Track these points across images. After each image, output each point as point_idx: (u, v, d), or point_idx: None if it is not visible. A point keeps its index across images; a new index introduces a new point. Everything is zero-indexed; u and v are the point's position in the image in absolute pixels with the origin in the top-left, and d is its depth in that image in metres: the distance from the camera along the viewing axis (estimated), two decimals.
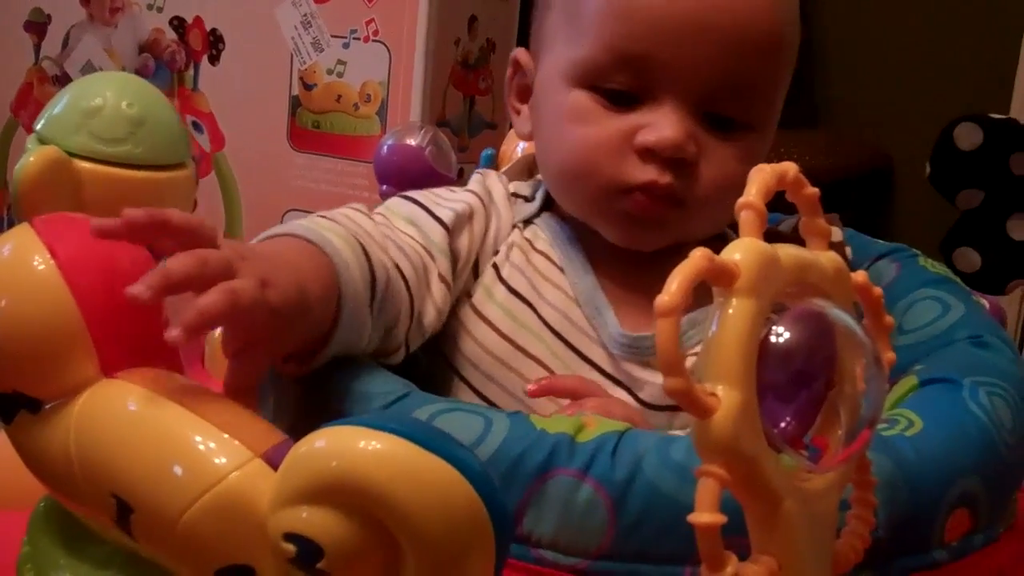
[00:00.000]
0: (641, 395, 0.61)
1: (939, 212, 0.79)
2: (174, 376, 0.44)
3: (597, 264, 0.63)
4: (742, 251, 0.36)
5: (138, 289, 0.41)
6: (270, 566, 0.39)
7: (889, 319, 0.43)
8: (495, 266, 0.63)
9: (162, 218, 0.43)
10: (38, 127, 0.72)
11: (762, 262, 0.36)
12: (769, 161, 1.43)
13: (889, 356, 0.43)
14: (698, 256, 0.34)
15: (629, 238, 0.62)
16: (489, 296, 0.62)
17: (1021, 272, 0.75)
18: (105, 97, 0.71)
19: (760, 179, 0.37)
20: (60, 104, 0.72)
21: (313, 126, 1.49)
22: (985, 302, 0.69)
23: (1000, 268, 0.75)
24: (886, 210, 2.03)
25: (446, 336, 0.63)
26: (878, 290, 0.42)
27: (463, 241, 0.62)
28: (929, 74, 1.95)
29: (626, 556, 0.46)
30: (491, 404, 0.61)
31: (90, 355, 0.44)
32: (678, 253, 0.38)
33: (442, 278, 0.60)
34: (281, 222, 0.59)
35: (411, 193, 0.64)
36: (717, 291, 0.36)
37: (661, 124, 0.58)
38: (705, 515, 0.33)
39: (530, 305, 0.62)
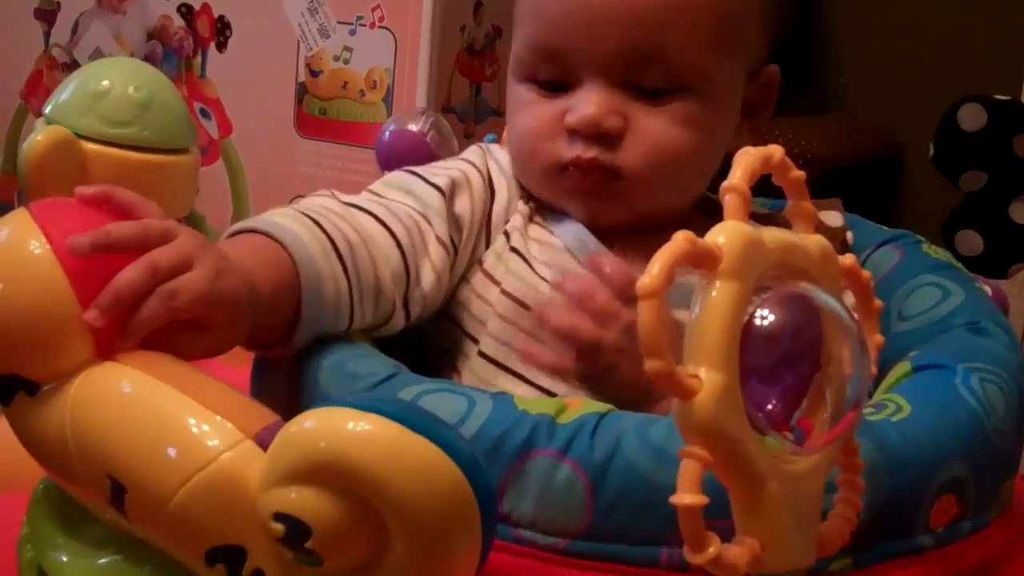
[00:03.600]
0: None
1: (949, 198, 0.78)
2: (168, 358, 0.45)
3: (600, 238, 0.65)
4: (726, 234, 0.36)
5: (92, 315, 0.44)
6: (260, 546, 0.39)
7: (878, 302, 0.43)
8: (506, 233, 0.65)
9: (106, 193, 0.47)
10: (47, 111, 0.73)
11: (746, 245, 0.36)
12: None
13: (877, 339, 0.43)
14: (680, 239, 0.35)
15: (586, 213, 0.64)
16: (498, 259, 0.65)
17: (1023, 255, 0.75)
18: (113, 80, 0.72)
19: (745, 162, 0.37)
20: (68, 88, 0.73)
21: (320, 113, 1.50)
22: (988, 288, 0.69)
23: (1002, 251, 0.74)
24: (896, 196, 2.02)
25: (459, 304, 0.65)
26: (866, 273, 0.43)
27: (463, 205, 0.65)
28: (939, 59, 1.94)
29: (604, 536, 0.46)
30: (500, 367, 0.62)
31: (85, 338, 0.44)
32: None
33: (440, 240, 0.63)
34: None
35: (408, 167, 0.67)
36: (700, 274, 0.36)
37: (582, 104, 0.62)
38: (687, 496, 0.34)
39: (529, 265, 0.64)
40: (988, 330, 0.59)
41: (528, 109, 0.64)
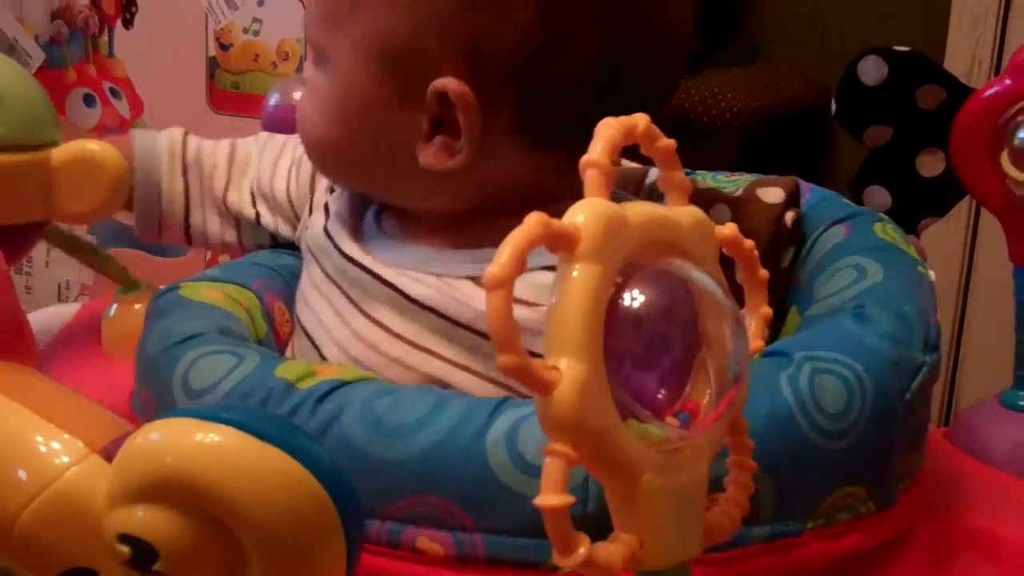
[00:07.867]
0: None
1: None
2: (11, 367, 0.42)
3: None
4: (585, 212, 0.33)
5: None
6: (112, 569, 0.36)
7: (763, 272, 0.41)
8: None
9: None
10: None
11: (607, 224, 0.33)
12: (706, 99, 1.38)
13: (764, 311, 0.41)
14: (532, 221, 0.32)
15: None
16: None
17: (932, 210, 0.74)
18: None
19: (605, 134, 0.35)
20: None
21: (232, 87, 1.46)
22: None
23: (911, 206, 0.73)
24: (826, 144, 2.02)
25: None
26: (749, 243, 0.40)
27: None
28: (867, 6, 1.93)
29: None
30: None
31: None
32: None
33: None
34: None
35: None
36: (560, 257, 0.33)
37: None
38: (552, 497, 0.31)
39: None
40: (870, 316, 0.52)
41: None
